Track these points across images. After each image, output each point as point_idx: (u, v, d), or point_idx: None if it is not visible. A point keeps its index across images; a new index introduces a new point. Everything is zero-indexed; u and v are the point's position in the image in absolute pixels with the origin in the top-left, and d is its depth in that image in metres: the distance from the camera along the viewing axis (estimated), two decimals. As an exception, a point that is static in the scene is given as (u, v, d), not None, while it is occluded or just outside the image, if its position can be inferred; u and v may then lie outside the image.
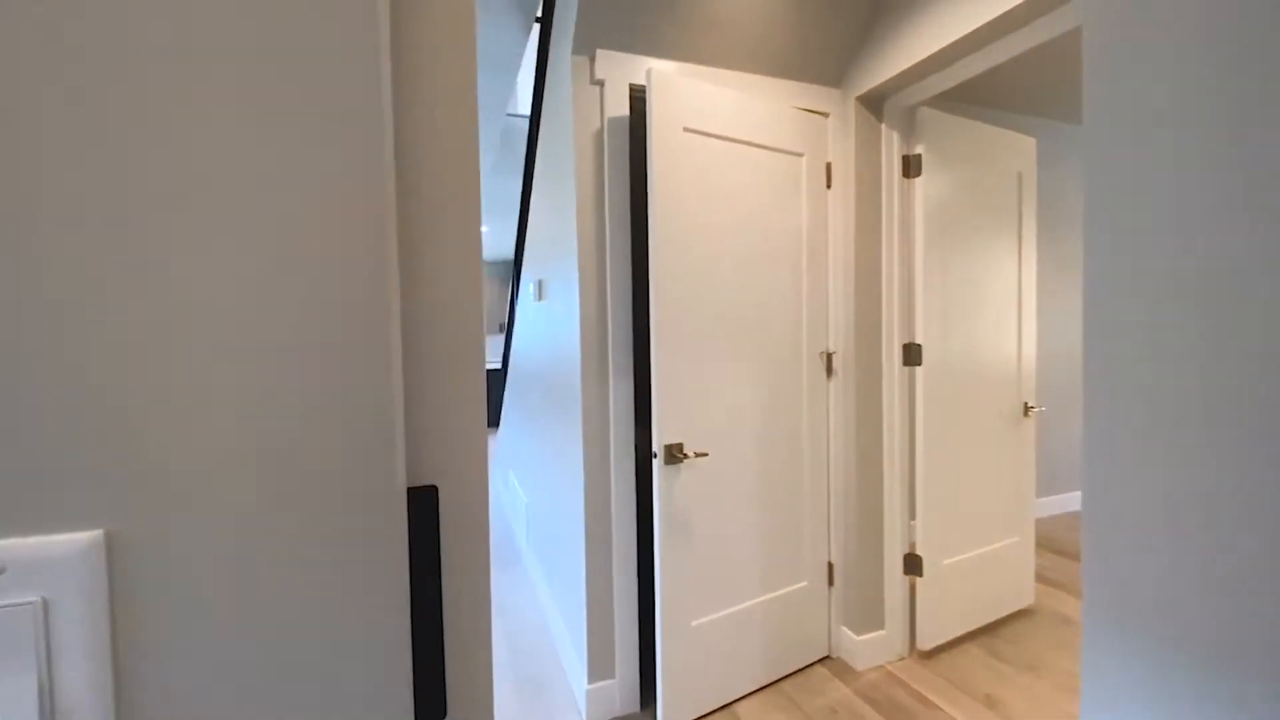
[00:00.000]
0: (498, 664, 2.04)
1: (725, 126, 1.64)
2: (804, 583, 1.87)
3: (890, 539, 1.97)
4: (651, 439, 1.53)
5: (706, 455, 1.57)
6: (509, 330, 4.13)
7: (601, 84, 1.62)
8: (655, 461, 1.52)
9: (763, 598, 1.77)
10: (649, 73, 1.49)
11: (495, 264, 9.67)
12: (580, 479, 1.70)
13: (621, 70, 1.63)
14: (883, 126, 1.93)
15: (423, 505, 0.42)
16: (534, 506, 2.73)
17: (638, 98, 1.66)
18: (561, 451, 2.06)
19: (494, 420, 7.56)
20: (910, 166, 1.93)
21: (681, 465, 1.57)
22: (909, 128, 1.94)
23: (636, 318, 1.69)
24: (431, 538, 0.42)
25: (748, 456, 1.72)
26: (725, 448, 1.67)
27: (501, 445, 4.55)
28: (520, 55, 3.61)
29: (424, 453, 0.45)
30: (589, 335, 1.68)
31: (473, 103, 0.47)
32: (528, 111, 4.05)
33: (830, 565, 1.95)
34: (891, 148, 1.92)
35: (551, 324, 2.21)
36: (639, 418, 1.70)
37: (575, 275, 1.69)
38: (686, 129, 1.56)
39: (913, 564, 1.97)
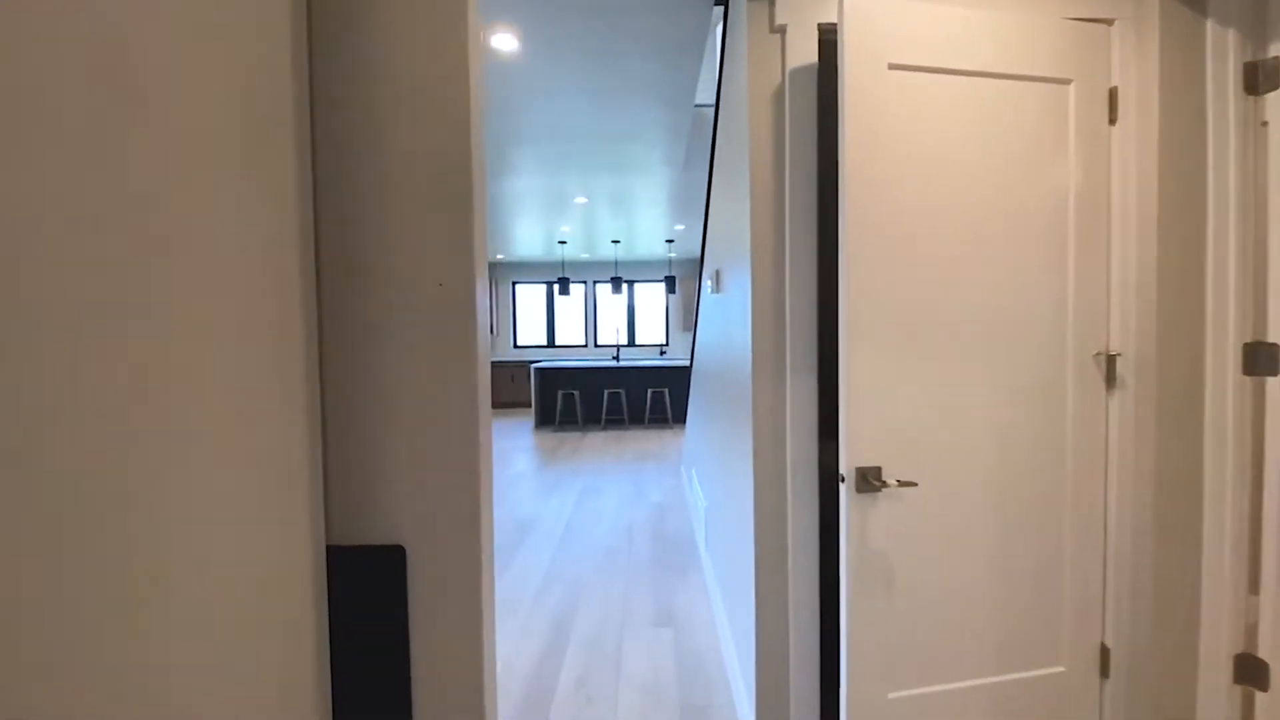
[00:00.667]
0: (660, 681, 1.92)
1: (950, 56, 1.25)
2: (1060, 668, 1.38)
3: (1211, 626, 1.35)
4: (839, 457, 1.24)
5: (915, 485, 1.21)
6: (695, 325, 4.03)
7: (783, 30, 1.36)
8: (843, 486, 1.22)
9: (995, 679, 1.33)
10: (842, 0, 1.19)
11: (693, 263, 9.72)
12: (750, 496, 1.47)
13: (808, 9, 1.35)
14: (1208, 23, 1.32)
15: (379, 565, 0.37)
16: (713, 512, 2.56)
17: (828, 40, 1.36)
18: (732, 459, 1.85)
19: (680, 417, 7.60)
20: (1260, 78, 1.29)
21: (879, 495, 1.24)
22: (1259, 15, 1.30)
23: (826, 307, 1.39)
24: (394, 598, 0.37)
25: (976, 490, 1.31)
26: (943, 476, 1.28)
27: (687, 441, 4.47)
28: (704, 40, 3.46)
29: (389, 509, 0.37)
30: (763, 325, 1.44)
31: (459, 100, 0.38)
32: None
33: (1104, 649, 1.41)
34: (1225, 52, 1.31)
35: (726, 315, 2.01)
36: (827, 429, 1.40)
37: (748, 257, 1.46)
38: (893, 65, 1.22)
39: (1250, 669, 1.33)
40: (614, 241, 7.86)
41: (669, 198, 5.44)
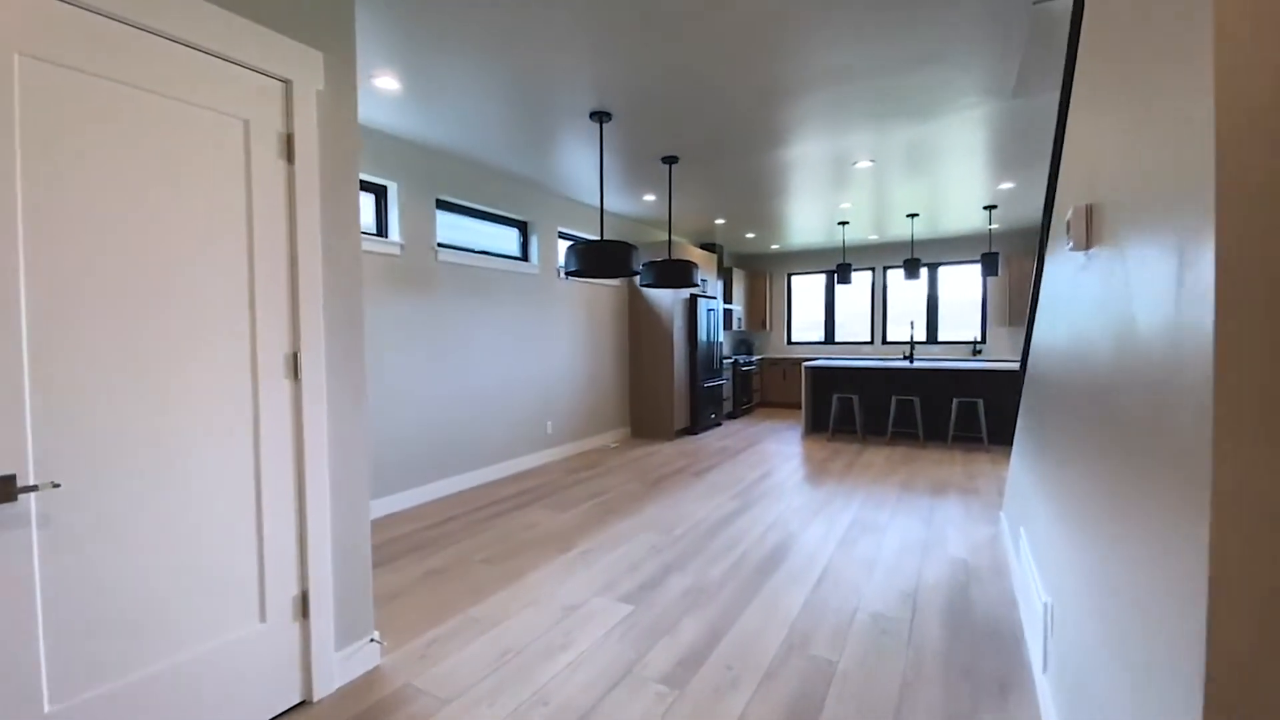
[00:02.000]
0: None
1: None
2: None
3: None
4: None
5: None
6: (1032, 312, 2.78)
7: None
8: None
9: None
10: None
11: (1032, 234, 7.53)
12: (1198, 643, 0.60)
13: None
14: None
15: None
16: (1062, 616, 1.53)
17: None
18: (1122, 543, 0.92)
19: (1001, 438, 5.80)
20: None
21: None
22: None
23: None
24: None
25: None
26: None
27: (1013, 480, 3.19)
28: None
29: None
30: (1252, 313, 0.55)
31: None
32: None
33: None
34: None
35: (1114, 286, 1.06)
36: None
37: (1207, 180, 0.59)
38: None
39: None
40: (909, 216, 6.47)
41: (991, 143, 4.05)
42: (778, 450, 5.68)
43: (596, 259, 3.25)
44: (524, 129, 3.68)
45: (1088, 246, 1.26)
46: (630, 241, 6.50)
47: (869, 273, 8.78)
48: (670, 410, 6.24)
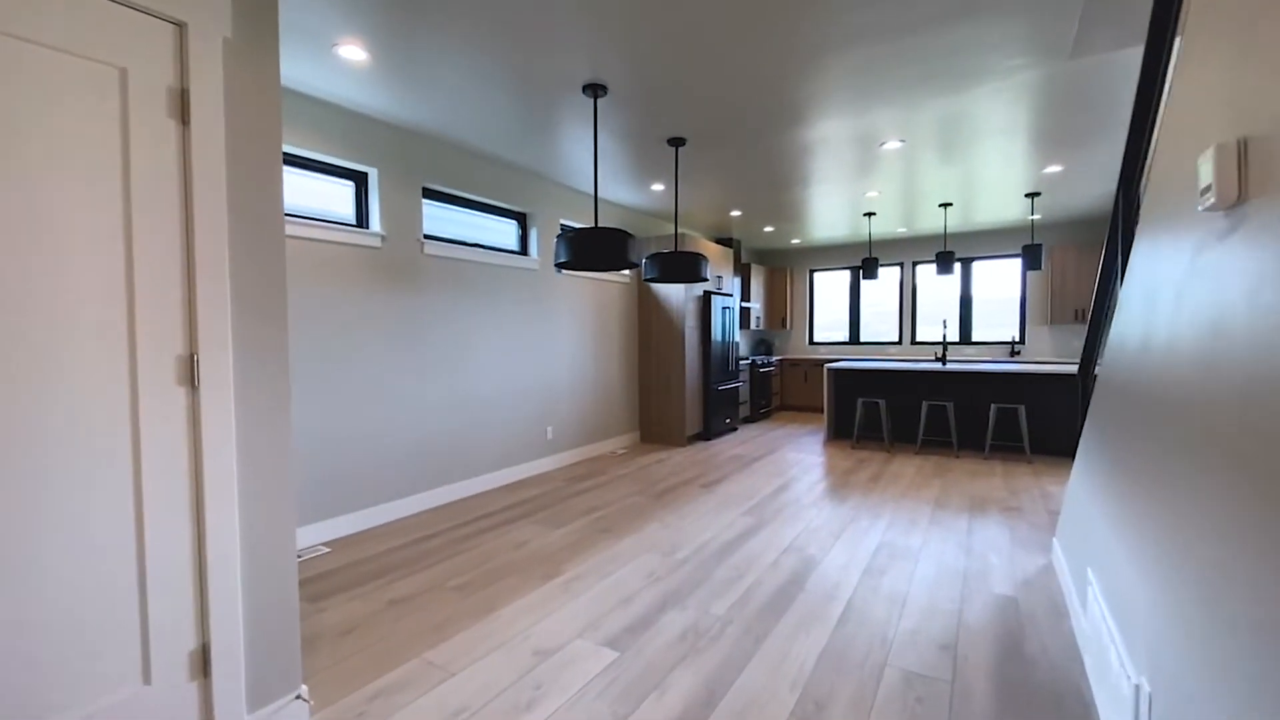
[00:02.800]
0: None
1: None
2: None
3: None
4: None
5: None
6: (1101, 304, 2.35)
7: None
8: None
9: None
10: None
11: (1081, 224, 6.97)
12: None
13: None
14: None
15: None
16: (1170, 711, 1.13)
17: None
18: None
19: (1045, 447, 5.28)
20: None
21: None
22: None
23: None
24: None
25: None
26: None
27: (1072, 500, 2.76)
28: None
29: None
30: None
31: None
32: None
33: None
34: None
35: (1264, 250, 0.66)
36: None
37: None
38: None
39: None
40: (942, 206, 5.98)
41: (1038, 117, 3.58)
42: (797, 459, 5.26)
43: (588, 248, 2.90)
44: (513, 108, 3.35)
45: (1237, 201, 0.86)
46: (635, 234, 6.14)
47: (896, 269, 8.27)
48: (681, 415, 5.87)
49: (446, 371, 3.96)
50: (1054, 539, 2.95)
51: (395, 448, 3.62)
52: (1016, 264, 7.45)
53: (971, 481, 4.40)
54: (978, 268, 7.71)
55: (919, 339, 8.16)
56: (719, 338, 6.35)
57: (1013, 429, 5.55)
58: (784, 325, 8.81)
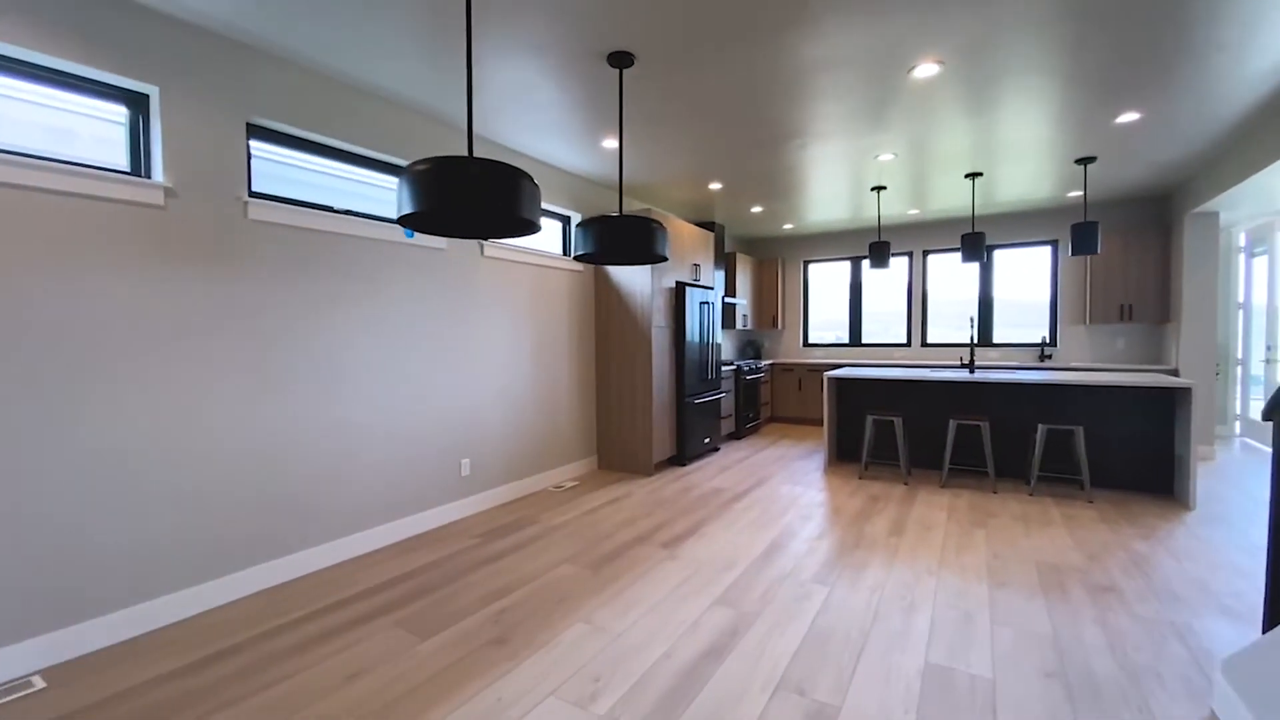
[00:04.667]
0: None
1: None
2: None
3: None
4: None
5: None
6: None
7: None
8: None
9: None
10: None
11: (1130, 203, 5.88)
12: None
13: None
14: None
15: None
16: None
17: None
18: None
19: (1119, 481, 4.16)
20: None
21: None
22: None
23: None
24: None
25: None
26: None
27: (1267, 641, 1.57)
28: None
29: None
30: None
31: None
32: None
33: None
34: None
35: None
36: None
37: None
38: None
39: None
40: (969, 176, 4.86)
41: (1105, 54, 2.45)
42: (792, 495, 4.10)
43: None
44: (390, 13, 2.17)
45: None
46: (581, 212, 4.97)
47: (904, 259, 7.16)
48: (648, 436, 4.70)
49: (299, 390, 2.76)
50: (1216, 678, 1.81)
51: (202, 507, 2.42)
52: (1045, 253, 6.36)
53: (1027, 535, 3.27)
54: (1000, 257, 6.62)
55: (930, 340, 7.05)
56: (696, 339, 5.20)
57: (1062, 454, 4.43)
58: (775, 324, 7.67)
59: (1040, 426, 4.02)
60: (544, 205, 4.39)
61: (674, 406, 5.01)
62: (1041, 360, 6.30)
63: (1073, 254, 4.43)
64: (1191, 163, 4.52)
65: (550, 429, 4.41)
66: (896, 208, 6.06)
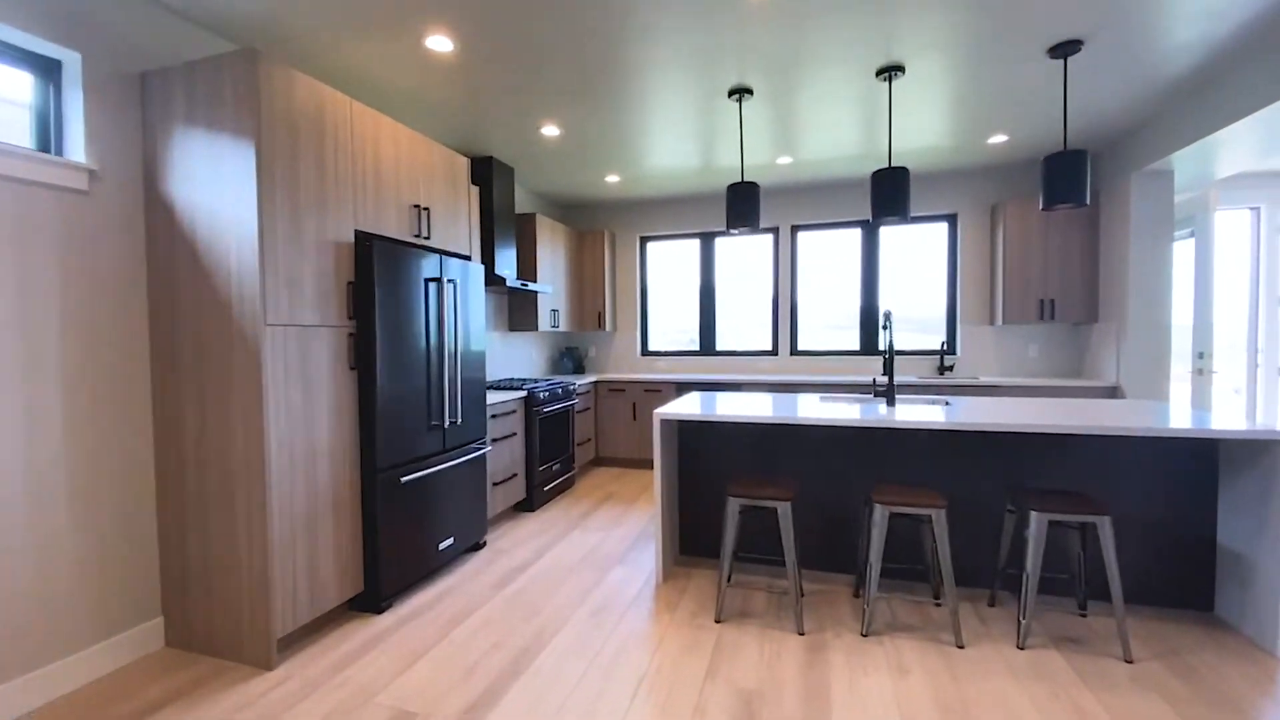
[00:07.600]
0: None
1: None
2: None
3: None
4: None
5: None
6: None
7: None
8: None
9: None
10: None
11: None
12: None
13: None
14: None
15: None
16: None
17: None
18: None
19: (1157, 593, 2.28)
20: None
21: None
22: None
23: None
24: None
25: None
26: None
27: None
28: None
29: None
30: None
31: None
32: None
33: None
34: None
35: None
36: None
37: None
38: None
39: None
40: (882, 74, 2.97)
41: None
42: (582, 672, 1.79)
43: None
44: None
45: None
46: (96, 51, 2.24)
47: (768, 236, 5.34)
48: (264, 569, 2.10)
49: None
50: None
51: None
52: (940, 230, 4.89)
53: None
54: (885, 236, 5.04)
55: (801, 348, 5.29)
56: (418, 351, 2.72)
57: (1062, 558, 2.66)
58: (602, 325, 5.45)
59: (1035, 516, 2.16)
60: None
61: (355, 490, 2.47)
62: (942, 373, 4.77)
63: (1043, 207, 2.69)
64: (1139, 108, 3.09)
65: (26, 570, 1.66)
66: (763, 154, 4.13)
